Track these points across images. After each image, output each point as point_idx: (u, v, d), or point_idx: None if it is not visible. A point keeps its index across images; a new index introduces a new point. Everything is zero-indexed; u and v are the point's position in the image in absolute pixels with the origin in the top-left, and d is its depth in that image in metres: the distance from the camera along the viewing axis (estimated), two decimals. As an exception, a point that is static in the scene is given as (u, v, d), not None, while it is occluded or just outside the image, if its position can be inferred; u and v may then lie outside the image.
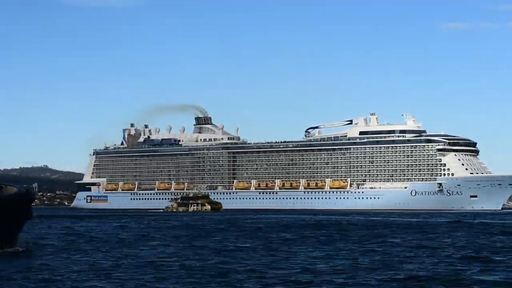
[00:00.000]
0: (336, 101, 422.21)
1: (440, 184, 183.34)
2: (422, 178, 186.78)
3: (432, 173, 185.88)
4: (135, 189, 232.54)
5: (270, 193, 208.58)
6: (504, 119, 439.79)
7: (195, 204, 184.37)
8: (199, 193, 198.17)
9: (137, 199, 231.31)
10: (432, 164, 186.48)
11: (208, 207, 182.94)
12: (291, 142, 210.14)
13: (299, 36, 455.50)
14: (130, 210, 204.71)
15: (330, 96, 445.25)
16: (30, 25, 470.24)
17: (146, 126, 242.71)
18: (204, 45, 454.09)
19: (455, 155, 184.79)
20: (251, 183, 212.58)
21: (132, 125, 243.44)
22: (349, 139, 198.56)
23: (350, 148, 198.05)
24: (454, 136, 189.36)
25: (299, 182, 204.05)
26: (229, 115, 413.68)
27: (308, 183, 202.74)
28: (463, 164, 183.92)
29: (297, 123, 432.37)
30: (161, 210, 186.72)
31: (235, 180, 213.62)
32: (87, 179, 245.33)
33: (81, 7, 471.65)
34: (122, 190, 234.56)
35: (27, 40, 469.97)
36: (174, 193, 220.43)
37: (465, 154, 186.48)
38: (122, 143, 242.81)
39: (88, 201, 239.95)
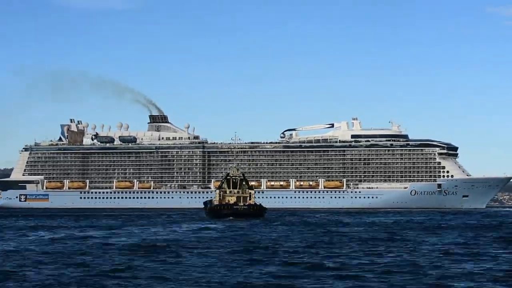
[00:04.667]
0: (306, 105, 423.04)
1: (440, 185, 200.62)
2: (421, 180, 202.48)
3: (431, 175, 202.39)
4: (86, 188, 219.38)
5: (256, 192, 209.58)
6: (474, 122, 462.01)
7: None
8: None
9: (89, 198, 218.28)
10: (431, 166, 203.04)
11: None
12: (276, 142, 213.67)
13: (274, 37, 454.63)
14: (81, 209, 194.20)
15: (299, 99, 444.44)
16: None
17: (79, 122, 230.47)
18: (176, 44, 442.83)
19: (452, 158, 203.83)
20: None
21: (72, 120, 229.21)
22: (341, 141, 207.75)
23: (344, 150, 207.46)
24: (441, 141, 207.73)
25: (289, 182, 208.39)
26: (185, 114, 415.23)
27: (300, 184, 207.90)
28: (459, 167, 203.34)
29: (256, 124, 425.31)
30: None
31: (213, 179, 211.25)
32: (17, 176, 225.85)
33: None
34: (69, 188, 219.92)
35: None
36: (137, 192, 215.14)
37: (456, 158, 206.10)
38: (60, 139, 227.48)
39: (22, 199, 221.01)
